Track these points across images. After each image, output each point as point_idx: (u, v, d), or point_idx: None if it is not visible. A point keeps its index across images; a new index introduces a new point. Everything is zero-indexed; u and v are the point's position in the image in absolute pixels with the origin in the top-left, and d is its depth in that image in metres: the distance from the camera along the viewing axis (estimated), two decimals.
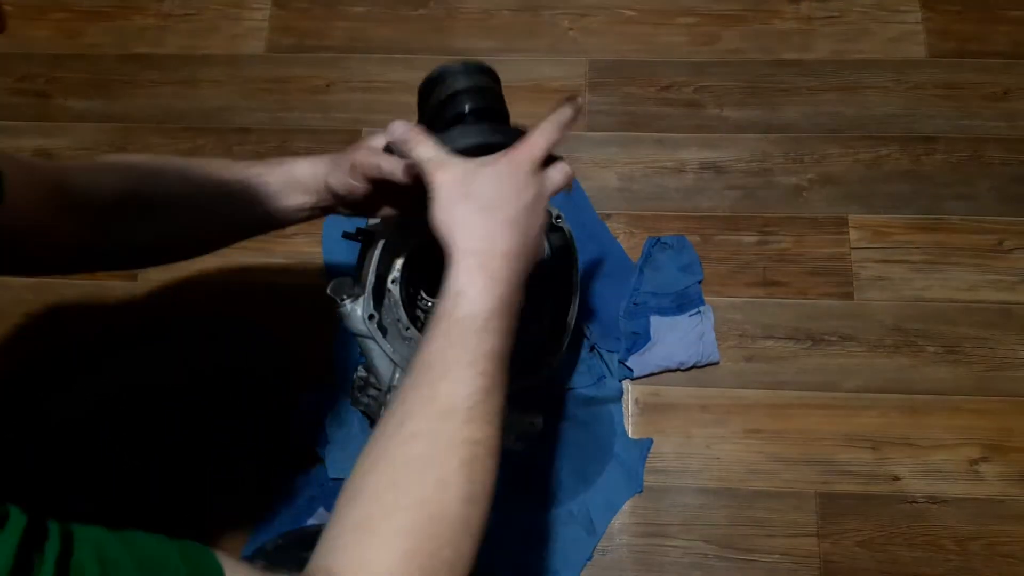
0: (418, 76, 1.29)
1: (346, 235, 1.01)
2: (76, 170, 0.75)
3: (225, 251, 1.18)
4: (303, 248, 1.18)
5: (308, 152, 1.21)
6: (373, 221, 0.93)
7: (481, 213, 0.58)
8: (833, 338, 1.10)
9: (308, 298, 0.93)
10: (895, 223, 1.15)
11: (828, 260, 1.14)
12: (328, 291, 0.91)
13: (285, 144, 1.25)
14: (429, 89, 0.78)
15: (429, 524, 0.49)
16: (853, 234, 1.15)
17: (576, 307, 0.95)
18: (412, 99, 1.24)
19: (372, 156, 0.72)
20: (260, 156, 1.24)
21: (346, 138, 1.24)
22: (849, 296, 1.12)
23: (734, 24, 1.27)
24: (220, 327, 1.02)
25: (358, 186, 0.75)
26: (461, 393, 0.53)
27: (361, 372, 0.97)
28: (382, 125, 1.22)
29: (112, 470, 0.86)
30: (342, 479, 1.03)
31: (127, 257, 0.79)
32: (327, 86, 1.28)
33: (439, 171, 0.60)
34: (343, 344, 1.11)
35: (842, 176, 1.18)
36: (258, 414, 1.01)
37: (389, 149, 0.73)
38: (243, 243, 1.18)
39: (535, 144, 0.62)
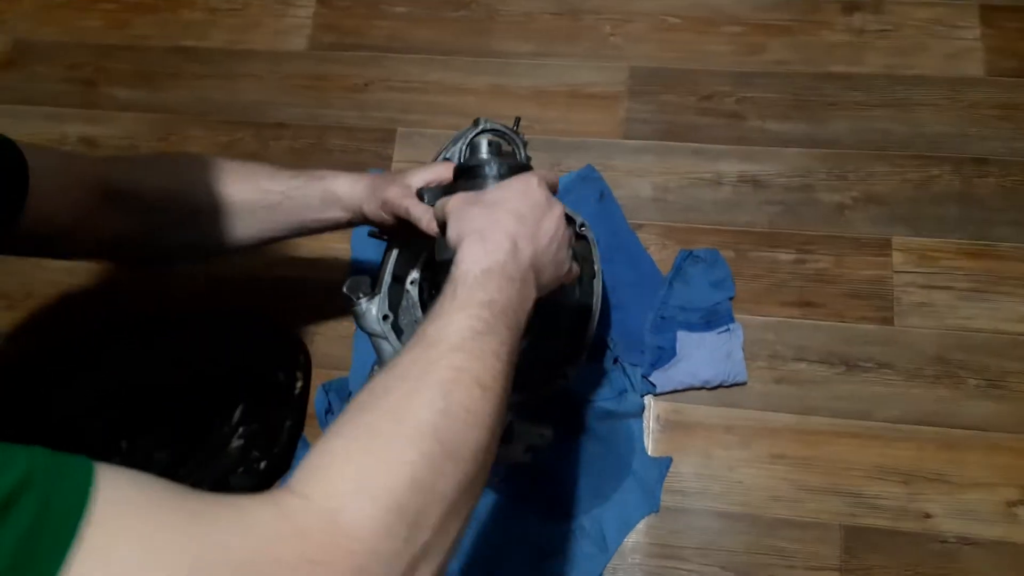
0: (457, 78, 1.31)
1: (371, 234, 1.01)
2: (121, 166, 0.81)
3: None
4: (331, 244, 1.18)
5: (343, 149, 1.24)
6: None
7: (487, 207, 0.62)
8: (869, 364, 1.05)
9: (332, 295, 0.92)
10: (942, 247, 1.09)
11: (869, 283, 1.09)
12: (344, 289, 0.90)
13: (320, 141, 1.25)
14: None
15: (393, 426, 0.45)
16: (897, 257, 1.10)
17: (596, 318, 0.93)
18: (448, 100, 1.25)
19: (403, 199, 0.78)
20: (296, 152, 1.25)
21: (381, 137, 1.24)
22: (889, 321, 1.07)
23: (781, 35, 1.23)
24: (235, 322, 1.02)
25: (387, 219, 0.82)
26: (448, 329, 0.52)
27: (375, 370, 0.96)
28: (418, 126, 1.24)
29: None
30: None
31: (165, 255, 0.84)
32: (365, 85, 1.28)
33: (450, 201, 0.65)
34: (363, 342, 1.10)
35: (888, 196, 1.13)
36: (267, 412, 1.00)
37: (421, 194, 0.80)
38: None
39: (545, 172, 0.69)
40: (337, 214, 0.86)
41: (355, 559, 0.39)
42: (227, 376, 0.95)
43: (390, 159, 1.22)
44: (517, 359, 0.56)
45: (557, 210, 0.65)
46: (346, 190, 0.85)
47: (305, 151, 1.25)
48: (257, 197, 0.83)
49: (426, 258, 0.97)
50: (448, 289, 0.56)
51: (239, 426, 0.97)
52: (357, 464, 0.43)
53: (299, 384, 1.07)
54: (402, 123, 1.25)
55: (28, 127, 1.31)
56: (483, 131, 1.05)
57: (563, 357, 0.94)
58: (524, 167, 0.81)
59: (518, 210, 0.61)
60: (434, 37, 1.30)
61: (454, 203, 0.65)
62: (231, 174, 0.82)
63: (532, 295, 0.60)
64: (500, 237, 0.59)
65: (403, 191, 0.79)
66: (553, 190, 0.70)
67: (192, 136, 1.28)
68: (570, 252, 0.68)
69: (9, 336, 1.14)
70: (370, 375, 0.96)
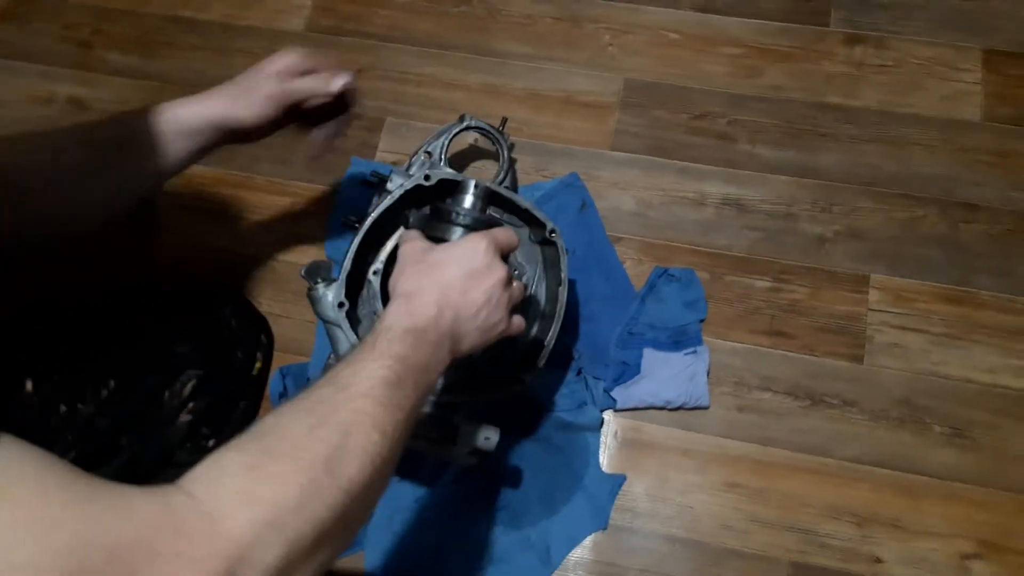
0: (452, 73, 1.31)
1: (344, 222, 1.00)
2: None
3: (228, 217, 1.18)
4: (307, 228, 1.16)
5: None
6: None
7: (424, 270, 0.66)
8: (835, 401, 1.03)
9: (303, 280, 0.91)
10: (920, 290, 1.08)
11: (842, 318, 1.07)
12: (301, 273, 0.89)
13: None
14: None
15: (290, 452, 0.48)
16: (873, 295, 1.08)
17: (558, 326, 0.91)
18: (441, 94, 1.24)
19: (297, 83, 0.83)
20: (283, 132, 1.23)
21: (369, 125, 1.23)
22: (859, 359, 1.05)
23: (780, 60, 1.22)
24: (198, 295, 1.00)
25: (269, 115, 0.83)
26: (361, 375, 0.55)
27: (331, 360, 0.94)
28: (407, 117, 1.23)
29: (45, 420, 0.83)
30: None
31: (46, 231, 0.76)
32: (359, 71, 1.27)
33: (407, 243, 0.71)
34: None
35: (871, 232, 1.11)
36: (221, 390, 0.98)
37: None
38: (248, 213, 1.20)
39: (497, 233, 0.71)
40: (184, 145, 0.81)
41: (226, 563, 0.41)
42: (182, 348, 0.94)
43: (375, 147, 1.21)
44: (419, 415, 0.60)
45: (493, 278, 0.68)
46: (194, 113, 0.81)
47: (291, 131, 1.23)
48: (95, 156, 0.76)
49: (393, 249, 0.96)
50: (369, 339, 0.60)
51: (189, 401, 0.95)
52: (248, 477, 0.46)
53: (258, 365, 1.05)
54: (392, 113, 1.23)
55: (19, 83, 1.31)
56: (467, 128, 1.05)
57: (521, 363, 0.92)
58: (491, 224, 0.85)
59: (452, 277, 0.65)
60: (433, 30, 1.28)
61: (406, 249, 0.70)
62: (48, 137, 0.77)
63: (446, 359, 0.63)
64: (428, 302, 0.63)
65: (289, 79, 0.84)
66: (508, 249, 0.73)
67: None
68: (507, 313, 0.71)
69: None
70: (326, 366, 0.95)
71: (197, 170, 1.22)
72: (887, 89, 1.19)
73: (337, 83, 0.84)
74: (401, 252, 0.70)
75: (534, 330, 0.96)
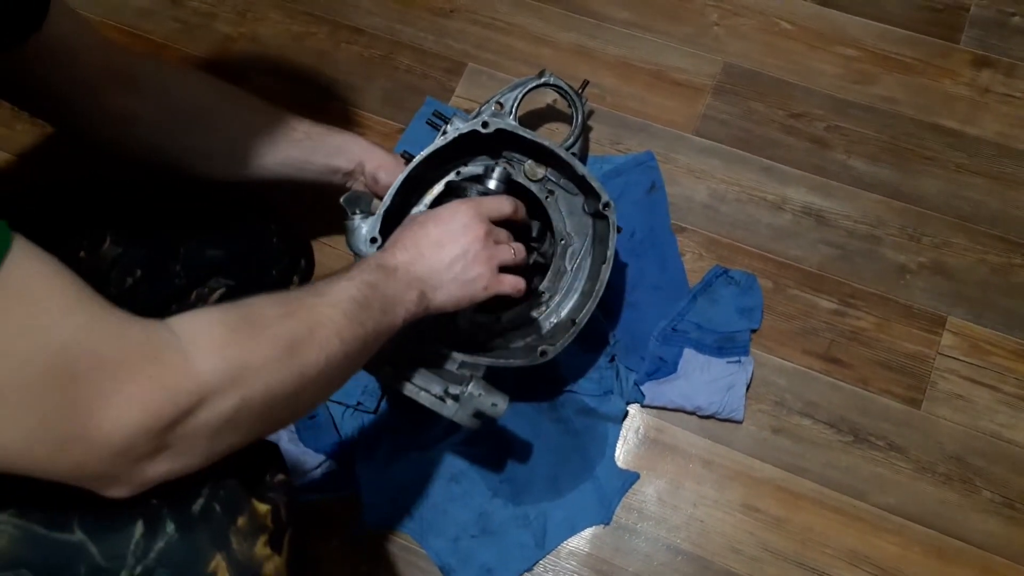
0: (544, 27, 1.26)
1: (428, 122, 0.99)
2: (149, 64, 0.83)
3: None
4: None
5: (408, 70, 1.19)
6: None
7: (410, 229, 0.74)
8: (880, 442, 0.95)
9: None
10: (1000, 342, 0.98)
11: (907, 357, 0.99)
12: (342, 200, 0.86)
13: (390, 55, 1.20)
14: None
15: (265, 324, 0.55)
16: (947, 338, 0.99)
17: (593, 306, 0.86)
18: (528, 47, 1.19)
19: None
20: (364, 60, 1.21)
21: (450, 67, 1.19)
22: (916, 404, 0.97)
23: (898, 70, 1.12)
24: (246, 209, 0.99)
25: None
26: (334, 288, 0.63)
27: None
28: (489, 66, 1.18)
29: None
30: None
31: (169, 158, 0.85)
32: (451, 11, 1.23)
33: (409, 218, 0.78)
34: None
35: (958, 272, 1.02)
36: None
37: None
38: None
39: (485, 199, 0.79)
40: (343, 165, 0.93)
41: (190, 397, 0.47)
42: (215, 253, 0.92)
43: (452, 91, 1.17)
44: (383, 341, 0.66)
45: (470, 235, 0.73)
46: (360, 147, 0.93)
47: (373, 62, 1.20)
48: (281, 130, 0.87)
49: (441, 193, 0.92)
50: (352, 265, 0.69)
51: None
52: (224, 334, 0.52)
53: (293, 288, 1.03)
54: (474, 59, 1.19)
55: None
56: (545, 84, 0.99)
57: (549, 336, 0.88)
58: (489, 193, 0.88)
59: (429, 232, 0.73)
60: None
61: (412, 218, 0.78)
62: (257, 102, 0.88)
63: (416, 301, 0.69)
64: (402, 248, 0.72)
65: None
66: (497, 215, 0.78)
67: (269, 19, 1.25)
68: (490, 269, 0.74)
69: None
70: None
71: (271, 83, 1.21)
72: (1009, 121, 1.08)
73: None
74: (404, 222, 0.77)
75: (568, 306, 0.91)
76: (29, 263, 0.42)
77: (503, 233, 0.78)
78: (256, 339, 0.53)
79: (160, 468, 0.49)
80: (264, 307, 0.57)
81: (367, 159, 0.92)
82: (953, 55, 1.13)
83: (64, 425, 0.43)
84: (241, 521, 0.59)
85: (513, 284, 0.77)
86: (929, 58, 1.13)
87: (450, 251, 0.72)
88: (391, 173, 0.89)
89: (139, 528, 0.55)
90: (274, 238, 1.02)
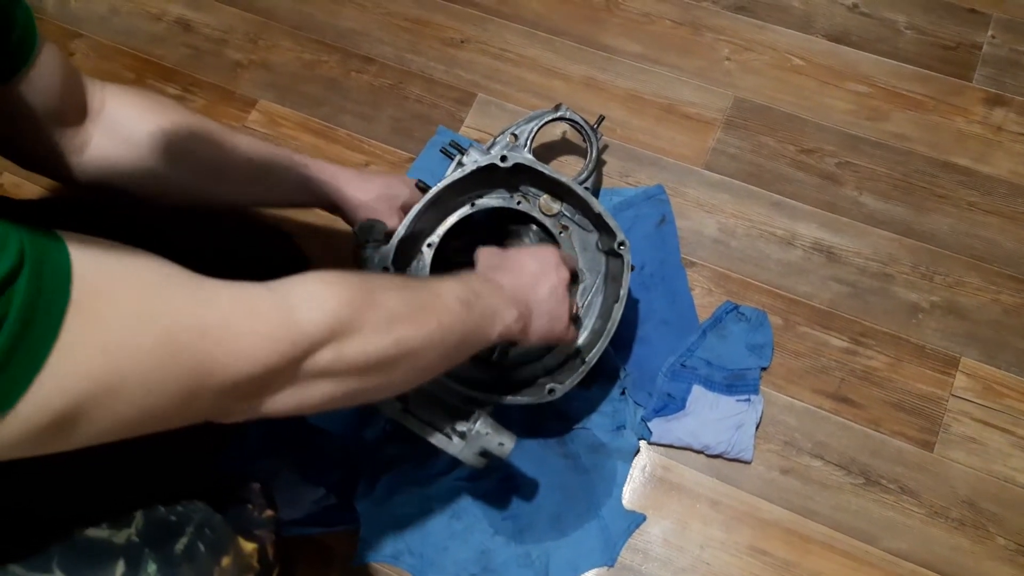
0: (554, 59, 1.27)
1: (443, 151, 1.00)
2: (120, 102, 0.76)
3: None
4: None
5: (419, 99, 1.19)
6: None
7: (500, 262, 0.77)
8: (891, 486, 0.93)
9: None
10: (1015, 385, 0.97)
11: (920, 398, 0.97)
12: (355, 228, 0.85)
13: (400, 85, 1.20)
14: None
15: (380, 303, 0.56)
16: (960, 380, 0.97)
17: (604, 345, 0.85)
18: (538, 79, 1.19)
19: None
20: (373, 89, 1.21)
21: (459, 98, 1.18)
22: (928, 446, 0.95)
23: (910, 108, 1.12)
24: (252, 225, 0.98)
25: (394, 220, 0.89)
26: (446, 287, 0.65)
27: None
28: (499, 96, 1.18)
29: None
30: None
31: (149, 192, 0.80)
32: (461, 41, 1.23)
33: (484, 250, 0.80)
34: None
35: (972, 311, 1.00)
36: None
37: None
38: None
39: (562, 254, 0.81)
40: (308, 200, 0.89)
41: (293, 348, 0.49)
42: (218, 259, 0.91)
43: (461, 122, 1.17)
44: (474, 348, 0.67)
45: (559, 276, 0.77)
46: (328, 183, 0.88)
47: (383, 91, 1.20)
48: (238, 163, 0.83)
49: (454, 225, 0.92)
50: (463, 272, 0.71)
51: None
52: (324, 292, 0.53)
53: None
54: (484, 89, 1.19)
55: None
56: (561, 118, 0.99)
57: (557, 374, 0.87)
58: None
59: (525, 267, 0.76)
60: (546, 12, 1.23)
61: (483, 253, 0.80)
62: (236, 133, 0.84)
63: (512, 316, 0.70)
64: (510, 271, 0.75)
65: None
66: (570, 268, 0.81)
67: (279, 46, 1.26)
68: (568, 318, 0.78)
69: None
70: None
71: (281, 111, 1.21)
72: (1023, 160, 1.07)
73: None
74: (479, 255, 0.79)
75: (579, 342, 0.90)
76: (99, 264, 0.43)
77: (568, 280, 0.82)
78: (361, 303, 0.54)
79: (268, 408, 0.51)
80: (375, 278, 0.59)
81: (339, 200, 0.88)
82: (966, 93, 1.12)
83: (185, 390, 0.45)
84: (226, 561, 0.58)
85: (575, 335, 0.82)
86: (941, 95, 1.12)
87: (545, 287, 0.75)
88: (370, 210, 0.88)
89: (120, 568, 0.54)
90: (274, 258, 1.02)
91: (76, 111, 0.73)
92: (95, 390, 0.41)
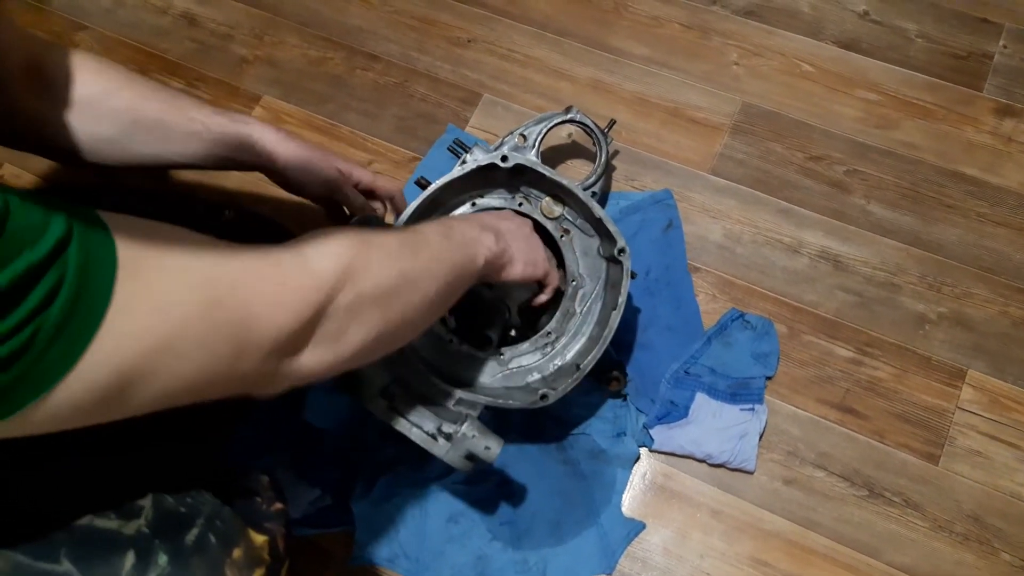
0: (561, 61, 1.26)
1: (449, 149, 0.99)
2: (57, 51, 0.77)
3: None
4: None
5: (423, 98, 1.18)
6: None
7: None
8: (895, 499, 0.92)
9: None
10: (1022, 399, 0.95)
11: (925, 410, 0.96)
12: (352, 223, 0.84)
13: (405, 83, 1.19)
14: None
15: (357, 235, 0.59)
16: (967, 392, 0.96)
17: (599, 353, 0.84)
18: (545, 80, 1.18)
19: (354, 198, 0.91)
20: (378, 87, 1.20)
21: (465, 97, 1.17)
22: (933, 459, 0.94)
23: (919, 116, 1.10)
24: (262, 223, 0.97)
25: (312, 196, 0.89)
26: (417, 225, 0.70)
27: None
28: (504, 97, 1.17)
29: None
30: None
31: (69, 151, 0.79)
32: (468, 41, 1.22)
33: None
34: None
35: (979, 324, 0.99)
36: None
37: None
38: None
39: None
40: (251, 160, 0.87)
41: (317, 293, 0.52)
42: None
43: (467, 121, 1.16)
44: (467, 278, 0.71)
45: (527, 227, 0.82)
46: (268, 143, 0.86)
47: (388, 89, 1.19)
48: (181, 120, 0.82)
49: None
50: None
51: None
52: (335, 240, 0.56)
53: None
54: (490, 90, 1.18)
55: None
56: (571, 120, 0.98)
57: (552, 380, 0.85)
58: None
59: (498, 219, 0.80)
60: (554, 14, 1.22)
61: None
62: (159, 92, 0.83)
63: (490, 240, 0.73)
64: (479, 217, 0.78)
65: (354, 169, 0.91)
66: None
67: (286, 42, 1.25)
68: (544, 260, 0.82)
69: None
70: None
71: (286, 107, 1.20)
72: None
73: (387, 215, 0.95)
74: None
75: (574, 349, 0.88)
76: (136, 242, 0.44)
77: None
78: (361, 245, 0.58)
79: (306, 362, 0.53)
80: (366, 229, 0.62)
81: (276, 156, 0.87)
82: (976, 103, 1.11)
83: (229, 346, 0.47)
84: (237, 553, 0.57)
85: (557, 276, 0.85)
86: (951, 105, 1.11)
87: (512, 223, 0.80)
88: (305, 171, 0.87)
89: (130, 559, 0.53)
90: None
91: (30, 79, 0.73)
92: (151, 348, 0.42)
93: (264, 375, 0.51)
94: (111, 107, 0.78)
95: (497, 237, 0.74)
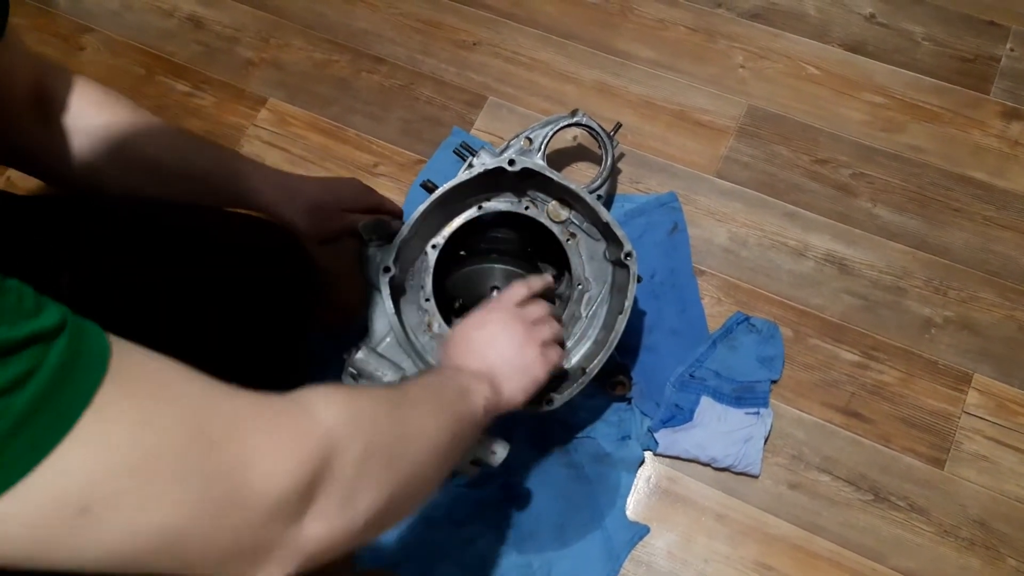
0: (567, 64, 1.25)
1: (455, 151, 0.97)
2: (63, 78, 0.76)
3: (310, 164, 1.15)
4: (383, 192, 1.12)
5: (428, 101, 1.18)
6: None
7: (454, 340, 0.76)
8: (901, 503, 0.92)
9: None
10: None
11: (931, 414, 0.95)
12: (359, 226, 0.84)
13: (410, 86, 1.19)
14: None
15: (353, 389, 0.58)
16: (972, 396, 0.96)
17: (605, 357, 0.84)
18: (550, 83, 1.17)
19: (360, 220, 0.88)
20: (383, 90, 1.20)
21: (470, 100, 1.17)
22: (939, 464, 0.93)
23: (926, 120, 1.10)
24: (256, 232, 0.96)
25: (324, 237, 0.88)
26: (407, 382, 0.69)
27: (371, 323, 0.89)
28: (510, 100, 1.17)
29: None
30: None
31: (66, 179, 0.79)
32: (474, 44, 1.22)
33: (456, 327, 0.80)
34: None
35: (985, 328, 0.99)
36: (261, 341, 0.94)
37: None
38: (330, 164, 1.16)
39: (507, 294, 0.80)
40: (247, 210, 0.87)
41: (321, 441, 0.47)
42: (225, 256, 0.90)
43: (472, 124, 1.16)
44: (468, 428, 0.65)
45: (510, 330, 0.75)
46: (265, 199, 0.85)
47: (392, 91, 1.20)
48: (180, 165, 0.82)
49: (460, 227, 0.91)
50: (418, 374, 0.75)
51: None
52: (335, 391, 0.53)
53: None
54: (496, 93, 1.18)
55: None
56: (577, 124, 0.98)
57: (556, 383, 0.85)
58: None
59: (476, 339, 0.75)
60: (559, 16, 1.22)
61: (450, 335, 0.79)
62: (161, 136, 0.82)
63: (484, 388, 0.68)
64: (460, 355, 0.74)
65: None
66: (543, 287, 0.82)
67: (292, 45, 1.25)
68: (539, 350, 0.76)
69: None
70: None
71: (291, 110, 1.20)
72: None
73: (395, 226, 0.90)
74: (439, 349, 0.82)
75: (580, 353, 0.88)
76: (131, 358, 0.41)
77: (535, 310, 0.79)
78: (362, 398, 0.55)
79: (313, 531, 0.46)
80: (358, 387, 0.61)
81: (276, 216, 0.87)
82: (983, 106, 1.11)
83: (218, 491, 0.42)
84: None
85: (559, 356, 0.79)
86: (958, 108, 1.11)
87: (502, 347, 0.74)
88: (308, 230, 0.86)
89: None
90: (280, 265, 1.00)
91: (35, 108, 0.73)
92: (126, 467, 0.38)
93: (262, 544, 0.44)
94: (110, 144, 0.77)
95: (491, 384, 0.70)
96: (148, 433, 0.39)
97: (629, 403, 0.98)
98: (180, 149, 0.82)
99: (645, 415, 0.97)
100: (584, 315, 0.90)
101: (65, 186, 0.81)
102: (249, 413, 0.46)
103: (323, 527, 0.47)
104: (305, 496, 0.46)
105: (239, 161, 0.87)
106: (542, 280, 0.83)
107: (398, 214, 0.95)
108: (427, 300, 0.89)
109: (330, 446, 0.48)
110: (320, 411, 0.49)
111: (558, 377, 0.85)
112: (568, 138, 1.12)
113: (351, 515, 0.49)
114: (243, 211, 0.88)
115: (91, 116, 0.76)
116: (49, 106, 0.74)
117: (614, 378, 0.95)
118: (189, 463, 0.41)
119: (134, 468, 0.38)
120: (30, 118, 0.73)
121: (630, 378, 0.96)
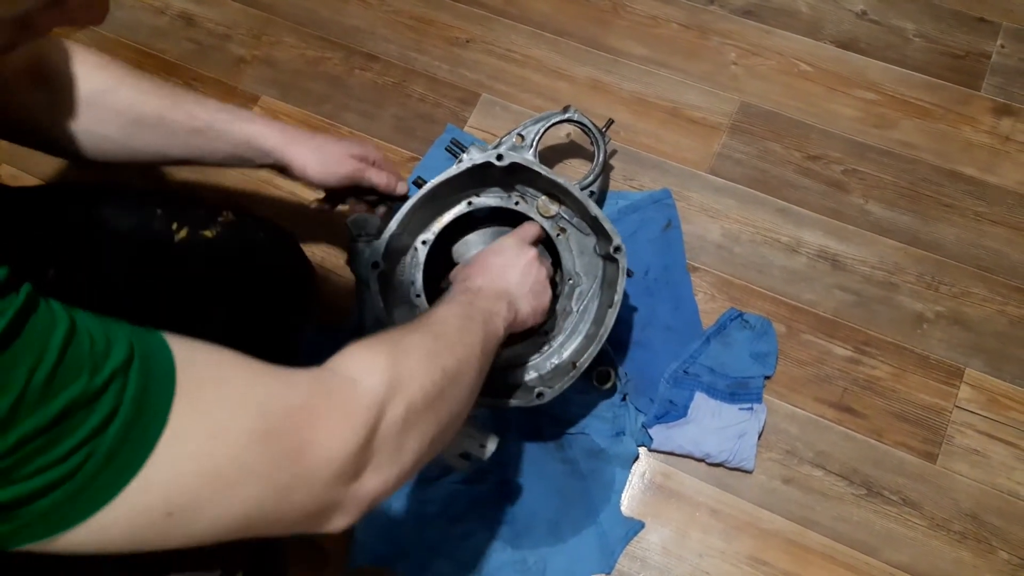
0: (560, 61, 1.25)
1: (447, 148, 0.98)
2: (61, 48, 0.77)
3: None
4: None
5: (421, 98, 1.18)
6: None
7: (474, 263, 0.82)
8: (894, 497, 0.92)
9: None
10: (1019, 397, 0.96)
11: (923, 409, 0.96)
12: (348, 221, 0.84)
13: (403, 83, 1.19)
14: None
15: (394, 340, 0.59)
16: (964, 391, 0.96)
17: (595, 351, 0.84)
18: (543, 80, 1.17)
19: (370, 173, 0.90)
20: (376, 87, 1.20)
21: (463, 97, 1.17)
22: (931, 457, 0.94)
23: (918, 116, 1.11)
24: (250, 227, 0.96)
25: (333, 184, 0.88)
26: (438, 313, 0.68)
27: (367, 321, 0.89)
28: (503, 97, 1.17)
29: None
30: None
31: (71, 148, 0.80)
32: (467, 41, 1.22)
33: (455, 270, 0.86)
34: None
35: (976, 323, 0.99)
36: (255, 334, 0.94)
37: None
38: None
39: (522, 230, 0.87)
40: (259, 160, 0.87)
41: (368, 412, 0.51)
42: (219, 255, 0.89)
43: (465, 121, 1.16)
44: (493, 349, 0.69)
45: (526, 255, 0.81)
46: (272, 141, 0.85)
47: (385, 89, 1.19)
48: (183, 119, 0.82)
49: (451, 223, 0.91)
50: (440, 299, 0.74)
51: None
52: (372, 355, 0.56)
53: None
54: (489, 90, 1.18)
55: None
56: (569, 120, 0.98)
57: (548, 377, 0.85)
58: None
59: (494, 263, 0.80)
60: (552, 13, 1.22)
61: (469, 261, 0.84)
62: (161, 88, 0.82)
63: (503, 308, 0.73)
64: (480, 274, 0.79)
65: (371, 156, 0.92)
66: (535, 239, 0.87)
67: (284, 42, 1.25)
68: (548, 286, 0.82)
69: None
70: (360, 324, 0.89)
71: (284, 107, 1.20)
72: None
73: (402, 187, 0.93)
74: (453, 275, 0.83)
75: (571, 347, 0.88)
76: (196, 356, 0.45)
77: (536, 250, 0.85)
78: (398, 354, 0.57)
79: (371, 484, 0.52)
80: (392, 333, 0.61)
81: (284, 156, 0.86)
82: (974, 102, 1.11)
83: (284, 476, 0.47)
84: None
85: (549, 296, 0.83)
86: (949, 104, 1.11)
87: (516, 271, 0.79)
88: (316, 172, 0.87)
89: None
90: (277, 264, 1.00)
91: (30, 75, 0.73)
92: (202, 476, 0.43)
93: (328, 505, 0.50)
94: (112, 105, 0.78)
95: (509, 304, 0.75)
96: (219, 444, 0.44)
97: (624, 399, 0.98)
98: (183, 102, 0.82)
99: (639, 411, 0.98)
100: (575, 310, 0.90)
101: (74, 157, 0.81)
102: (304, 400, 0.49)
103: (378, 479, 0.52)
104: (360, 460, 0.51)
105: (242, 109, 0.87)
106: (539, 227, 0.89)
107: (393, 187, 0.94)
108: (418, 296, 0.89)
109: (379, 412, 0.52)
110: (365, 380, 0.53)
111: (562, 370, 0.86)
112: (561, 135, 1.12)
113: (401, 462, 0.54)
114: (248, 168, 0.88)
115: (91, 80, 0.77)
116: (48, 74, 0.75)
117: (598, 368, 0.94)
118: (256, 461, 0.45)
119: (208, 475, 0.43)
120: (29, 89, 0.74)
121: (615, 369, 0.96)
